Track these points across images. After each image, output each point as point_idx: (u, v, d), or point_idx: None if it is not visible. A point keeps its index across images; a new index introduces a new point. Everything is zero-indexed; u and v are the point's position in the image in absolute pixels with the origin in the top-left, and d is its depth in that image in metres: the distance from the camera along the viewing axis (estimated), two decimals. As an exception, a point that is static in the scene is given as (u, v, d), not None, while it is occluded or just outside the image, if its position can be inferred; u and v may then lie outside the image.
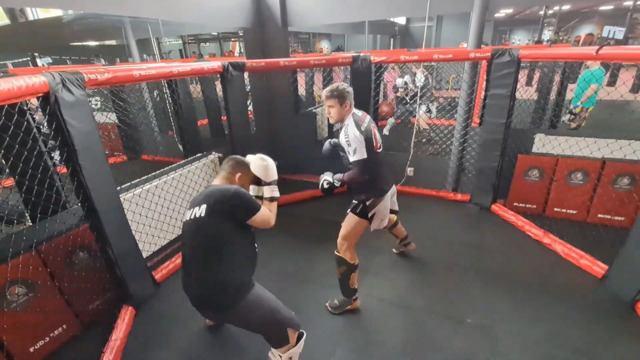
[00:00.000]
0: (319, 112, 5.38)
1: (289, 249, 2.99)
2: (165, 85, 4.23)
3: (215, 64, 2.95)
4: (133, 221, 2.47)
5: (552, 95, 4.93)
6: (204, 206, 1.47)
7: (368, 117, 2.07)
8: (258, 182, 1.73)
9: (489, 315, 2.19)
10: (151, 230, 2.71)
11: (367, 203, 2.06)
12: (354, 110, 2.06)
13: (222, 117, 4.51)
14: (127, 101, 4.83)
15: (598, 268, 2.45)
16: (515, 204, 3.38)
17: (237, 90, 3.21)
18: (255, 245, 1.69)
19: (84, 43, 11.77)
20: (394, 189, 2.24)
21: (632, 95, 7.66)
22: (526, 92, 4.03)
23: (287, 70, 4.19)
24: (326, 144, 2.30)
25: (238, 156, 1.72)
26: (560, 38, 17.47)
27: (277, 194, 1.71)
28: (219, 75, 3.09)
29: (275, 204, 1.70)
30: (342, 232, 2.13)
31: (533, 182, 3.24)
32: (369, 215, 2.08)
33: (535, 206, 3.32)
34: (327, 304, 2.30)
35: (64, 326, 2.07)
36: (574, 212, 3.17)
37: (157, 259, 2.82)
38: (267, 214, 1.59)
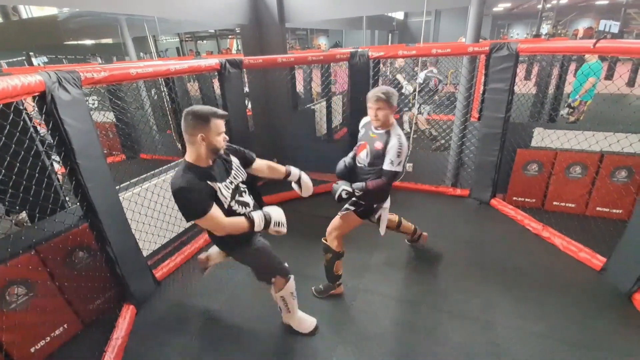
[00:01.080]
0: (318, 109, 5.37)
1: (288, 246, 2.99)
2: (163, 83, 4.21)
3: (213, 61, 2.93)
4: (133, 220, 2.46)
5: (551, 89, 4.93)
6: None
7: None
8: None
9: (488, 309, 2.20)
10: (151, 229, 2.71)
11: (375, 206, 2.16)
12: None
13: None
14: (124, 100, 4.80)
15: (597, 261, 2.47)
16: (514, 198, 3.39)
17: (234, 87, 3.19)
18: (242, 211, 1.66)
19: (80, 42, 11.68)
20: None
21: (628, 89, 7.68)
22: (525, 86, 4.03)
23: (285, 67, 4.17)
24: (341, 164, 2.22)
25: (196, 108, 1.46)
26: (559, 32, 17.45)
27: (257, 219, 1.56)
28: (216, 73, 3.07)
29: (243, 221, 1.54)
30: (336, 223, 2.21)
31: (532, 176, 3.25)
32: (376, 217, 2.22)
33: (534, 200, 3.33)
34: (312, 289, 2.41)
35: (65, 326, 2.07)
36: (573, 205, 3.18)
37: (158, 257, 2.82)
38: (213, 222, 1.47)
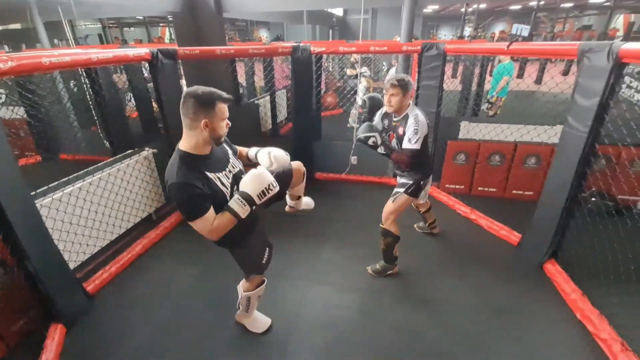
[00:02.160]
0: (262, 104, 5.27)
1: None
2: (84, 74, 3.77)
3: (142, 50, 2.71)
4: (55, 229, 2.20)
5: (473, 87, 5.46)
6: None
7: None
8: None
9: (429, 288, 2.41)
10: (78, 237, 2.44)
11: (421, 183, 2.29)
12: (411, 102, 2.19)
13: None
14: (37, 93, 4.20)
15: (514, 237, 2.83)
16: (446, 185, 3.71)
17: (169, 80, 2.99)
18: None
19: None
20: None
21: (536, 86, 8.84)
22: (452, 84, 4.41)
23: (224, 60, 4.01)
24: (363, 100, 2.38)
25: (199, 91, 1.30)
26: (479, 34, 19.32)
27: (235, 207, 1.34)
28: (147, 64, 2.85)
29: (227, 216, 1.35)
30: (391, 208, 2.34)
31: (461, 165, 3.59)
32: (420, 192, 2.32)
33: (463, 186, 3.69)
34: (368, 269, 2.53)
35: (-21, 354, 1.79)
36: (494, 189, 3.59)
37: (89, 268, 2.55)
38: (203, 225, 1.33)
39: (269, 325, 2.07)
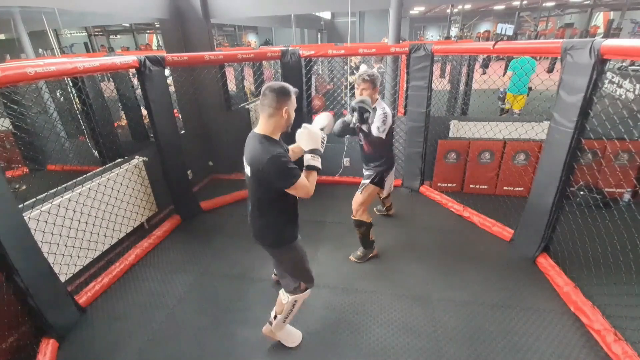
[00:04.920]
0: (252, 108, 5.25)
1: (233, 250, 2.91)
2: (70, 83, 3.72)
3: (130, 58, 2.68)
4: (44, 242, 2.16)
5: (461, 86, 5.52)
6: (248, 168, 1.57)
7: None
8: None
9: (424, 286, 2.42)
10: (68, 250, 2.40)
11: (384, 173, 2.53)
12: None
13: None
14: (22, 104, 4.12)
15: (507, 233, 2.87)
16: (439, 184, 3.75)
17: (158, 87, 2.96)
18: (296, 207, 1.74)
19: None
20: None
21: (522, 83, 9.01)
22: (440, 84, 4.46)
23: (214, 65, 4.00)
24: (339, 123, 2.44)
25: (278, 85, 1.52)
26: (465, 34, 19.62)
27: (315, 163, 1.59)
28: (135, 71, 2.82)
29: (313, 173, 1.59)
30: (360, 199, 2.53)
31: (452, 164, 3.63)
32: (384, 182, 2.54)
33: (455, 185, 3.73)
34: (351, 257, 2.70)
35: (-35, 375, 1.74)
36: (485, 187, 3.64)
37: (80, 281, 2.51)
38: (303, 183, 1.52)
39: (301, 339, 2.02)
